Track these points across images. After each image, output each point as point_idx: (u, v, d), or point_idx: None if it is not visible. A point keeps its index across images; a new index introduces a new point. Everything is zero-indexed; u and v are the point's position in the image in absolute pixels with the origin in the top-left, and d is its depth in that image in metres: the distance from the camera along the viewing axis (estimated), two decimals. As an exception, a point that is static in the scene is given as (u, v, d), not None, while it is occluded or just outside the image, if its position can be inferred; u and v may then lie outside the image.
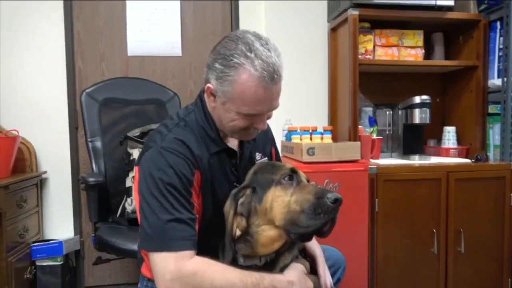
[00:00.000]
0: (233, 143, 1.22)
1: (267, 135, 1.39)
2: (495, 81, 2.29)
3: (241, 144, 1.25)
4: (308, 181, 1.07)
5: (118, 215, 1.94)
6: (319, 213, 0.94)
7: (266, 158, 1.34)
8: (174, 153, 1.05)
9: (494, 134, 2.32)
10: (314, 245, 1.23)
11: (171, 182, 1.02)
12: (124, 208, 1.94)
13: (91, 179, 1.76)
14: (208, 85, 1.09)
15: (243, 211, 1.03)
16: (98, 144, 2.03)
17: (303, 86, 2.56)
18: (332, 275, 1.30)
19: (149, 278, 1.16)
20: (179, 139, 1.08)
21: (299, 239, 1.02)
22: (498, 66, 2.27)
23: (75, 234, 2.45)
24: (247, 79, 1.00)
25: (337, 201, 0.94)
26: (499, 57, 2.27)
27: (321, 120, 2.56)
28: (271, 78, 1.01)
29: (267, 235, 1.00)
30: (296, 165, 1.50)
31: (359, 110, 2.24)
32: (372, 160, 2.20)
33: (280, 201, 0.99)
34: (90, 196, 1.79)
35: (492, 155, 2.33)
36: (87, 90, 2.09)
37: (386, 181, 2.01)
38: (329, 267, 1.33)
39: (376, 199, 2.00)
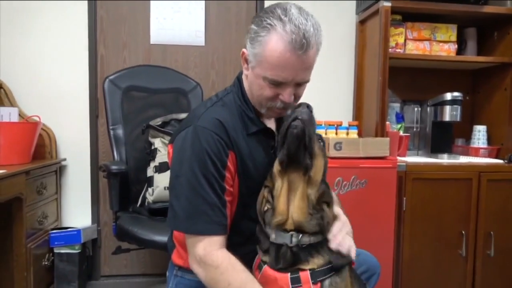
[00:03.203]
0: (271, 125, 1.18)
1: None
2: (531, 79, 2.19)
3: (278, 127, 1.20)
4: None
5: (138, 205, 1.91)
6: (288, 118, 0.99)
7: None
8: (209, 132, 1.03)
9: (528, 135, 2.23)
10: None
11: (204, 165, 1.01)
12: (144, 198, 1.91)
13: (113, 167, 1.72)
14: (243, 50, 1.09)
15: (268, 183, 1.05)
16: (120, 132, 1.99)
17: (328, 80, 2.49)
18: (366, 281, 1.24)
19: (180, 265, 1.14)
20: (215, 118, 1.06)
21: (284, 158, 0.99)
22: (536, 64, 2.17)
23: (92, 223, 2.42)
24: (276, 41, 0.99)
25: (299, 105, 1.01)
26: (537, 54, 2.17)
27: (345, 115, 2.48)
28: (300, 44, 0.98)
29: (276, 190, 1.01)
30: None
31: (387, 106, 2.16)
32: (399, 158, 2.13)
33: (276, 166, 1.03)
34: (111, 185, 1.75)
35: (525, 156, 2.23)
36: (110, 77, 2.05)
37: (415, 180, 1.94)
38: (363, 273, 1.28)
39: (404, 198, 1.93)
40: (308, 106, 0.99)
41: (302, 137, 0.95)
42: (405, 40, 2.20)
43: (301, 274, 0.95)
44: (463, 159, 2.20)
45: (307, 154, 0.98)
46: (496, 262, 2.01)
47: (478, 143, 2.35)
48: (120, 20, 2.44)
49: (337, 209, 1.09)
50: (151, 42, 2.47)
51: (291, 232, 0.97)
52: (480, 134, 2.36)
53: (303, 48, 0.98)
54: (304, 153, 0.97)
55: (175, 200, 1.03)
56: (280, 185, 1.00)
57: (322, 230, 0.99)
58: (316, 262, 0.97)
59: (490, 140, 2.38)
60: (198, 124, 1.04)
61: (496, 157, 2.30)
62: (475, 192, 1.97)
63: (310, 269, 0.96)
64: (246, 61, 1.09)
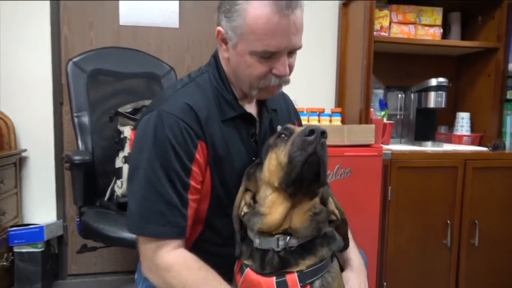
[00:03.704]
0: (251, 110, 1.05)
1: (288, 105, 1.21)
2: (516, 65, 2.15)
3: (260, 112, 1.07)
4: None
5: (106, 198, 1.75)
6: (300, 151, 0.80)
7: None
8: (175, 119, 0.89)
9: (512, 122, 2.19)
10: (353, 255, 1.05)
11: (166, 157, 0.87)
12: (113, 191, 1.76)
13: (76, 157, 1.56)
14: (218, 28, 0.94)
15: (251, 186, 0.92)
16: (85, 119, 1.82)
17: (310, 65, 2.38)
18: None
19: None
20: (185, 102, 0.91)
21: (292, 189, 0.82)
22: (521, 49, 2.13)
23: (57, 219, 2.24)
24: (258, 5, 0.85)
25: (312, 133, 0.79)
26: (522, 39, 2.12)
27: (327, 102, 2.38)
28: (287, 2, 0.84)
29: (269, 200, 0.86)
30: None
31: (371, 92, 2.07)
32: (383, 146, 2.05)
33: (274, 161, 0.86)
34: (75, 177, 1.59)
35: (508, 143, 2.19)
36: (74, 59, 1.87)
37: (401, 168, 1.86)
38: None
39: (389, 187, 1.85)
40: (323, 133, 0.81)
41: (318, 173, 0.82)
42: (390, 23, 2.11)
43: (288, 277, 0.84)
44: (447, 147, 2.15)
45: (320, 183, 0.85)
46: (480, 252, 1.97)
47: (462, 130, 2.30)
48: (86, -2, 2.24)
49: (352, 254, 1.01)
50: (121, 23, 2.29)
51: (277, 236, 0.85)
52: (463, 121, 2.31)
53: (291, 6, 0.85)
54: (317, 185, 0.85)
55: (130, 196, 0.90)
56: (274, 198, 0.86)
57: (319, 231, 0.88)
58: (307, 263, 0.86)
59: (473, 127, 2.33)
60: (163, 109, 0.90)
61: (479, 145, 2.26)
62: (460, 180, 1.92)
63: (298, 271, 0.85)
64: (224, 41, 0.94)
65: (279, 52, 0.90)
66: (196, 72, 1.04)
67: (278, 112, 1.14)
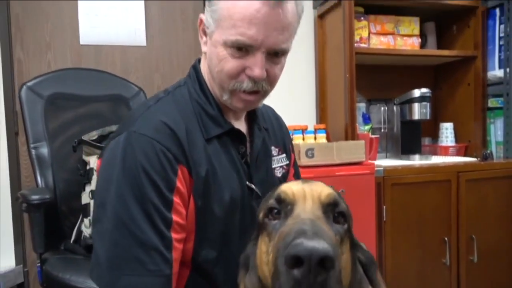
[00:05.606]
0: (240, 127, 0.90)
1: (282, 128, 1.07)
2: (496, 72, 2.13)
3: (250, 130, 0.93)
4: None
5: (72, 240, 1.53)
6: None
7: (285, 155, 1.02)
8: (149, 141, 0.73)
9: (496, 130, 2.16)
10: None
11: (140, 188, 0.71)
12: (80, 232, 1.53)
13: (35, 197, 1.33)
14: (200, 15, 0.85)
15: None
16: (44, 151, 1.60)
17: (288, 81, 2.26)
18: None
19: None
20: (160, 121, 0.76)
21: None
22: (499, 56, 2.11)
23: (16, 264, 1.98)
24: None
25: (299, 263, 0.44)
26: (500, 46, 2.11)
27: (309, 118, 2.27)
28: None
29: None
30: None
31: (356, 105, 1.97)
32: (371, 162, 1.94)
33: (264, 260, 0.58)
34: (34, 220, 1.36)
35: (495, 152, 2.15)
36: (29, 84, 1.66)
37: (394, 185, 1.76)
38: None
39: (384, 206, 1.74)
40: (323, 261, 0.44)
41: None
42: (369, 34, 2.04)
43: None
44: (436, 159, 2.08)
45: None
46: (479, 268, 1.88)
47: (447, 141, 2.25)
48: (41, 16, 2.04)
49: None
50: (81, 43, 2.10)
51: None
52: (447, 131, 2.25)
53: None
54: None
55: (98, 240, 0.72)
56: None
57: None
58: None
59: (456, 138, 2.28)
60: (133, 130, 0.75)
61: (465, 155, 2.21)
62: (454, 193, 1.84)
63: None
64: (204, 32, 0.83)
65: (254, 48, 0.76)
66: (173, 85, 0.90)
67: (270, 132, 1.01)
